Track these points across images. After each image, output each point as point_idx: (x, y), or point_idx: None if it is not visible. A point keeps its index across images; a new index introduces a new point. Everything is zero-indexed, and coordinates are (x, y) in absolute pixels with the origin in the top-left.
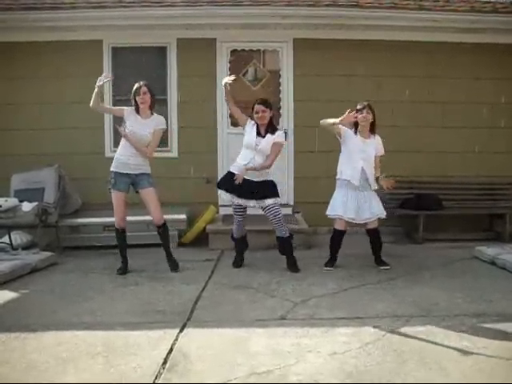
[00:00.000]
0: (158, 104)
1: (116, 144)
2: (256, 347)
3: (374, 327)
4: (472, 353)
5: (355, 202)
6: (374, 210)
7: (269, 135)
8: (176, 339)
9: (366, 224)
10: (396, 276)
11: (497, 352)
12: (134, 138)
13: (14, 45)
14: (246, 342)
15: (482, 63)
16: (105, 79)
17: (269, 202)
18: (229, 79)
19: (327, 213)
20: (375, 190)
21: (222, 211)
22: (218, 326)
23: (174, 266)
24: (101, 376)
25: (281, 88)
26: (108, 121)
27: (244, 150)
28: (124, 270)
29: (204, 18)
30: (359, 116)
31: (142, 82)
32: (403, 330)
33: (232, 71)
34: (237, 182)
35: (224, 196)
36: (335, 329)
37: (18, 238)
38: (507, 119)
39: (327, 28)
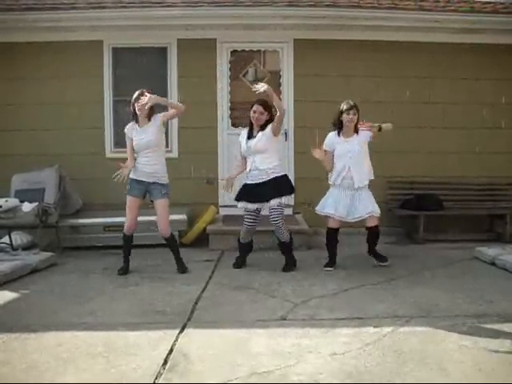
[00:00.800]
0: (158, 104)
1: (116, 145)
2: (256, 347)
3: (375, 328)
4: (472, 353)
5: (348, 201)
6: (366, 209)
7: (260, 132)
8: (176, 339)
9: (366, 222)
10: (396, 276)
11: (497, 352)
12: (141, 148)
13: (15, 45)
14: (246, 342)
15: (483, 64)
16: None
17: (272, 203)
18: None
19: (316, 208)
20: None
21: (222, 211)
22: (218, 326)
23: (182, 268)
24: (101, 376)
25: (281, 88)
26: (108, 121)
27: (246, 159)
28: (125, 271)
29: (204, 19)
30: (347, 117)
31: (143, 90)
32: (403, 330)
33: (232, 72)
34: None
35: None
36: (335, 329)
37: (19, 238)
38: (507, 120)
39: (327, 28)
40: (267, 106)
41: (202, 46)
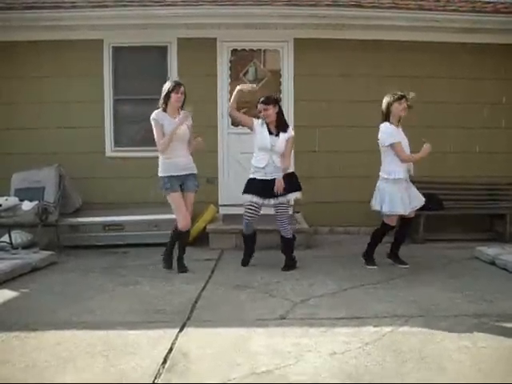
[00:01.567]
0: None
1: (116, 143)
2: (256, 347)
3: (374, 327)
4: (472, 353)
5: (406, 193)
6: (420, 197)
7: (282, 134)
8: (176, 339)
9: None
10: (396, 276)
11: (497, 352)
12: (179, 138)
13: (15, 44)
14: (245, 341)
15: (483, 63)
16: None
17: (281, 199)
18: (247, 87)
19: (384, 210)
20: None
21: (222, 211)
22: (217, 325)
23: (182, 268)
24: (101, 375)
25: (281, 88)
26: (108, 120)
27: (258, 152)
28: (170, 265)
29: (205, 18)
30: (399, 107)
31: (180, 81)
32: (403, 329)
33: (232, 71)
34: (278, 191)
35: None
36: (335, 328)
37: (18, 237)
38: (508, 119)
39: (328, 28)
40: (269, 100)
41: (203, 45)
